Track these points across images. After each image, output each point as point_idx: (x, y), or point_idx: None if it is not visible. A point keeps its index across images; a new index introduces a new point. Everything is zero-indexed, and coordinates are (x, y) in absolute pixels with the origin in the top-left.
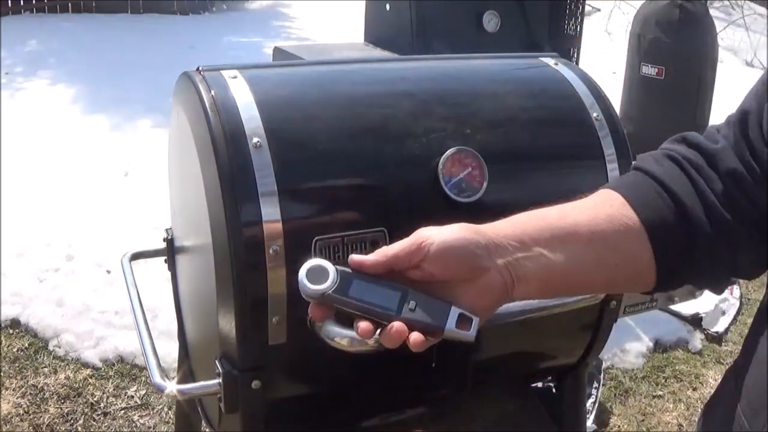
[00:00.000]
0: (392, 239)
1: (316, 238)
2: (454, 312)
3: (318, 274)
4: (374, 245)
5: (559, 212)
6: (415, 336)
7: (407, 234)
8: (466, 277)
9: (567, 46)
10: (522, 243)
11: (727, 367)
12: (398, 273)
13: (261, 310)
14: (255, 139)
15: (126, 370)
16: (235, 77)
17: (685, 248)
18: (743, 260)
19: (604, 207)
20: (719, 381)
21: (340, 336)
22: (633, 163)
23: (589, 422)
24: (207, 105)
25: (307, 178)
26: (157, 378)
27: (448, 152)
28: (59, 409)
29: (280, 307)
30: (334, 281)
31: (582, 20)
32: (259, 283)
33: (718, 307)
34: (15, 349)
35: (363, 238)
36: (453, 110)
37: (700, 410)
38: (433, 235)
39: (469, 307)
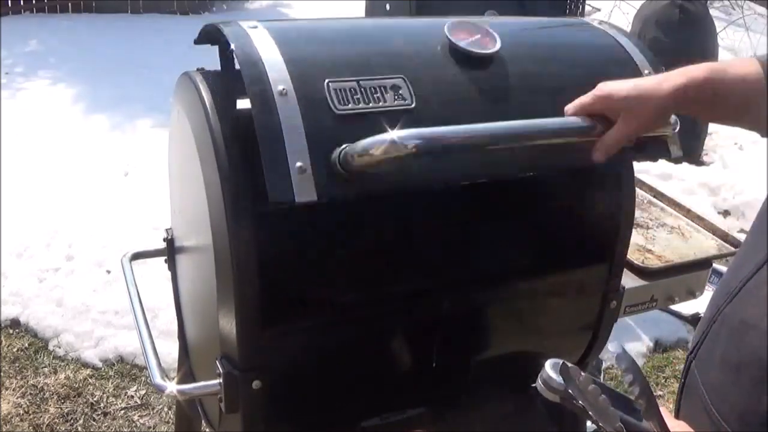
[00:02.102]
0: (413, 86)
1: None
2: None
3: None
4: (395, 89)
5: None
6: None
7: (424, 83)
8: None
9: None
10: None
11: None
12: None
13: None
14: None
15: (126, 370)
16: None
17: None
18: None
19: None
20: None
21: (374, 145)
22: None
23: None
24: (207, 105)
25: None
26: (157, 378)
27: (451, 21)
28: (59, 409)
29: None
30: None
31: None
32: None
33: None
34: (15, 349)
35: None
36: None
37: None
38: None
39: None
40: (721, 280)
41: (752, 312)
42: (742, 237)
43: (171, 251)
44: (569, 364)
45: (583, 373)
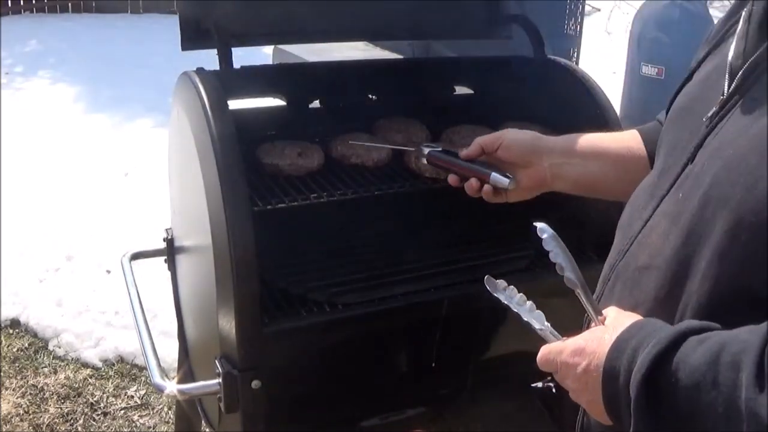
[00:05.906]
0: None
1: None
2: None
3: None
4: None
5: (599, 138)
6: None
7: None
8: (521, 164)
9: (567, 46)
10: (567, 153)
11: None
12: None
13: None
14: None
15: (126, 370)
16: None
17: None
18: None
19: (628, 140)
20: None
21: None
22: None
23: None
24: (207, 105)
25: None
26: (157, 378)
27: None
28: (59, 409)
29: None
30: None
31: (582, 20)
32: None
33: None
34: (15, 349)
35: None
36: None
37: None
38: (510, 134)
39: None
40: (612, 246)
41: (645, 257)
42: None
43: (171, 251)
44: (493, 279)
45: (509, 286)
